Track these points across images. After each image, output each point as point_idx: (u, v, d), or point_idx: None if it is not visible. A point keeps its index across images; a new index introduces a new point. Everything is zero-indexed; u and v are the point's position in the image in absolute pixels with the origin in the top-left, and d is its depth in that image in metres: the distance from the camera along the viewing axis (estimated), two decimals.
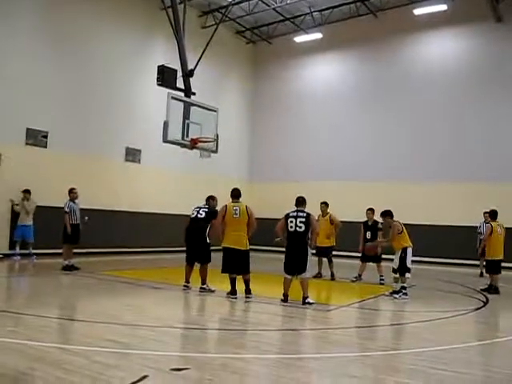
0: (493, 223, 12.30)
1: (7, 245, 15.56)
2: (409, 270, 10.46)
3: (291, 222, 9.43)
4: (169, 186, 20.71)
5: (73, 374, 4.72)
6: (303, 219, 9.37)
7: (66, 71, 17.39)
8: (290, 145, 24.83)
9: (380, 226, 12.95)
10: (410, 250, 10.57)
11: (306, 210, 9.62)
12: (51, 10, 16.93)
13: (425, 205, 20.63)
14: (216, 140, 13.90)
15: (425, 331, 7.69)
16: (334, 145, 23.47)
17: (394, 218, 11.10)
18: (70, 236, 12.84)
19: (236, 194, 10.13)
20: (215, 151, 14.12)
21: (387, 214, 11.10)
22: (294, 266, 9.34)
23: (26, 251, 15.15)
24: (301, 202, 9.76)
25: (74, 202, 13.08)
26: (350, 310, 9.32)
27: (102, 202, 17.74)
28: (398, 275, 10.59)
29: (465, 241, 18.14)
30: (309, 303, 9.15)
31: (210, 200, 10.96)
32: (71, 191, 13.14)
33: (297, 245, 9.34)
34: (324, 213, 13.93)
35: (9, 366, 4.99)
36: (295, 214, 9.51)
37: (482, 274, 15.79)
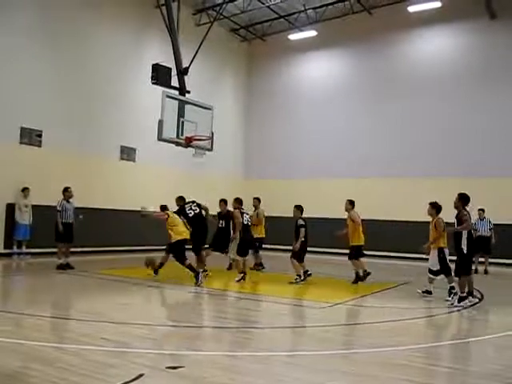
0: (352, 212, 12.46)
1: (2, 243, 15.58)
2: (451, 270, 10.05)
3: None
4: (164, 184, 20.65)
5: (68, 373, 4.73)
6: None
7: (60, 70, 17.35)
8: (285, 142, 24.85)
9: (302, 222, 12.26)
10: (446, 251, 10.18)
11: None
12: (47, 9, 16.85)
13: (424, 201, 20.62)
14: (211, 138, 13.91)
15: (420, 327, 7.73)
16: (329, 142, 23.49)
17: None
18: (62, 235, 12.83)
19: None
20: (210, 149, 14.14)
21: (434, 207, 10.56)
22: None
23: (21, 250, 15.35)
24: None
25: (67, 201, 13.04)
26: (345, 306, 9.36)
27: (97, 200, 17.72)
28: (434, 276, 10.29)
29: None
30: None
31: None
32: (66, 190, 13.09)
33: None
34: (257, 207, 15.45)
35: (2, 365, 4.99)
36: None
37: (476, 271, 15.87)
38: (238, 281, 11.50)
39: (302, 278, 11.91)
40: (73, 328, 6.80)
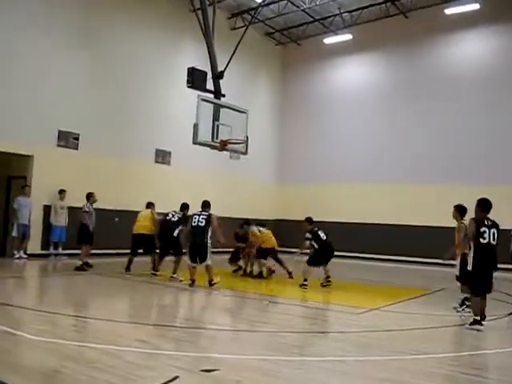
0: None
1: (40, 245, 15.89)
2: None
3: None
4: (198, 187, 20.72)
5: (103, 373, 4.76)
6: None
7: (97, 74, 17.62)
8: (318, 147, 24.72)
9: (308, 236, 12.09)
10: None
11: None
12: (84, 13, 17.15)
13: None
14: (246, 142, 13.92)
15: (455, 335, 7.58)
16: (362, 147, 23.28)
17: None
18: (88, 237, 13.28)
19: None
20: (245, 153, 14.14)
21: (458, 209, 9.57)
22: None
23: (57, 251, 15.68)
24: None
25: (92, 205, 13.45)
26: (381, 312, 9.23)
27: (132, 203, 17.83)
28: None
29: None
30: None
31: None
32: (91, 195, 13.53)
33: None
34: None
35: (39, 363, 5.06)
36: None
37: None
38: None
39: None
40: (108, 328, 6.85)
